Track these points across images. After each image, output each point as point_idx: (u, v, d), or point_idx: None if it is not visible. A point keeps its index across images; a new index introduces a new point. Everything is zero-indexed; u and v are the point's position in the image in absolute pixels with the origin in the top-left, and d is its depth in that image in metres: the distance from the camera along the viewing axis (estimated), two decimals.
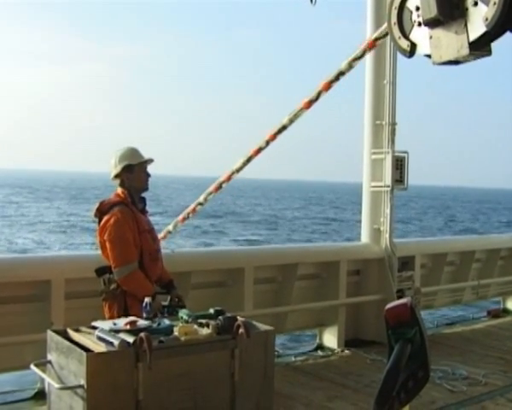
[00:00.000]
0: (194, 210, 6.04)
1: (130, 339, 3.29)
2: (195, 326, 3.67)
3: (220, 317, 3.69)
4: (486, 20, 1.96)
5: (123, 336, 3.35)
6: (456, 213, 65.65)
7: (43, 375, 3.70)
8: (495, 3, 1.92)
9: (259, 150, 5.66)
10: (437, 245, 8.56)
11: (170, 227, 6.07)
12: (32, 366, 3.71)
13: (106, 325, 3.63)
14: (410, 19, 2.28)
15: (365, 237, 7.09)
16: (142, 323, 3.64)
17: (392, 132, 6.76)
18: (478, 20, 2.00)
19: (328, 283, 6.67)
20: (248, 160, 5.71)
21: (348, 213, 54.99)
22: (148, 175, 4.52)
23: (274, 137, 5.57)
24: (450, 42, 2.11)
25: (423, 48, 2.26)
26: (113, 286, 4.28)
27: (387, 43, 6.14)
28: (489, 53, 2.12)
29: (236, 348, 3.61)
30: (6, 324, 4.68)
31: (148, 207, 4.66)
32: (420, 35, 2.25)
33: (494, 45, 2.10)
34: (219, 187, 5.89)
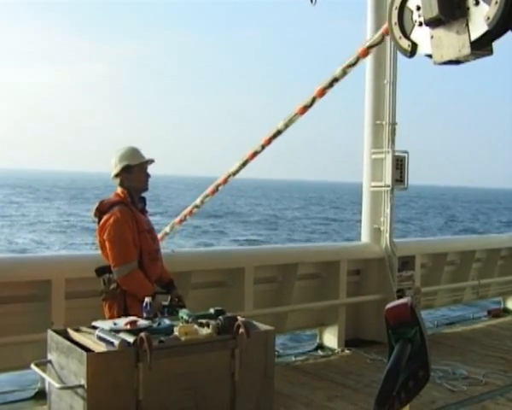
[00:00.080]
0: (190, 212, 6.18)
1: (131, 339, 3.29)
2: (196, 326, 3.67)
3: (220, 317, 3.69)
4: (488, 19, 1.96)
5: (123, 335, 3.35)
6: (456, 213, 65.64)
7: (44, 375, 3.70)
8: (496, 2, 1.92)
9: (255, 154, 5.75)
10: (437, 245, 8.55)
11: (167, 229, 6.18)
12: (33, 366, 3.71)
13: (106, 324, 3.63)
14: (411, 19, 2.28)
15: (365, 236, 7.09)
16: (142, 323, 3.63)
17: (393, 132, 6.76)
18: (479, 20, 2.00)
19: (328, 282, 6.67)
20: (244, 163, 5.81)
21: (348, 213, 54.99)
22: (147, 176, 4.51)
23: (269, 141, 5.66)
24: (452, 41, 2.11)
25: (424, 48, 2.26)
26: (112, 286, 4.27)
27: (388, 43, 6.15)
28: (490, 52, 2.12)
29: (236, 348, 3.61)
30: (6, 324, 4.67)
31: (148, 207, 4.66)
32: (421, 35, 2.25)
33: (495, 45, 2.10)
34: (216, 190, 6.00)
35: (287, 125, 5.55)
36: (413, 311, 1.99)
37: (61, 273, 4.88)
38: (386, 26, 4.92)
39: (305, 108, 5.44)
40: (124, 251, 4.25)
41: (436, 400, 5.00)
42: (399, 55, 4.91)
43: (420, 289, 7.14)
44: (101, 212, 4.37)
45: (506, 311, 8.85)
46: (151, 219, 4.70)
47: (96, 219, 4.41)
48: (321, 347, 6.69)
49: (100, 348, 3.35)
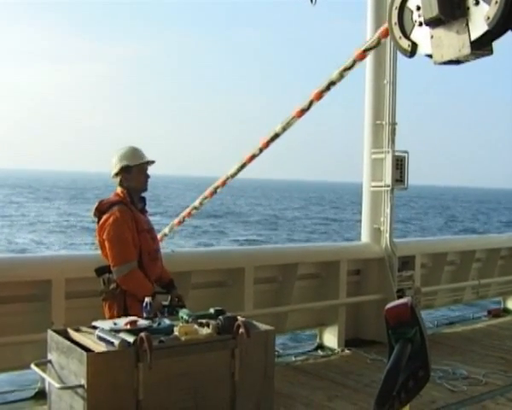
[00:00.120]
0: (189, 214, 6.25)
1: (131, 339, 3.29)
2: (196, 326, 3.67)
3: (220, 317, 3.68)
4: (488, 19, 1.96)
5: (123, 335, 3.35)
6: (456, 213, 65.63)
7: (44, 375, 3.70)
8: (497, 2, 1.92)
9: (253, 157, 5.80)
10: (437, 245, 8.55)
11: (166, 230, 6.24)
12: (33, 366, 3.71)
13: (106, 324, 3.63)
14: (411, 19, 2.28)
15: (365, 236, 7.09)
16: (142, 323, 3.63)
17: (393, 132, 6.76)
18: (479, 20, 2.00)
19: (328, 282, 6.67)
20: (242, 166, 5.85)
21: (348, 213, 54.98)
22: (147, 176, 4.50)
23: (267, 144, 5.70)
24: (452, 41, 2.11)
25: (424, 47, 2.26)
26: (112, 286, 4.27)
27: (388, 43, 6.15)
28: (490, 52, 2.12)
29: (236, 348, 3.61)
30: (6, 324, 4.67)
31: (148, 207, 4.66)
32: (421, 35, 2.25)
33: (495, 45, 2.10)
34: (214, 192, 6.08)
35: (284, 129, 5.59)
36: (413, 311, 1.99)
37: (61, 273, 4.88)
38: (382, 28, 4.94)
39: (303, 112, 5.48)
40: (123, 251, 4.24)
41: (436, 400, 5.00)
42: (399, 55, 4.92)
43: (420, 289, 7.14)
44: (100, 212, 4.37)
45: (506, 311, 8.85)
46: (151, 219, 4.69)
47: (96, 219, 4.41)
48: (321, 347, 6.69)
49: (100, 348, 3.35)
